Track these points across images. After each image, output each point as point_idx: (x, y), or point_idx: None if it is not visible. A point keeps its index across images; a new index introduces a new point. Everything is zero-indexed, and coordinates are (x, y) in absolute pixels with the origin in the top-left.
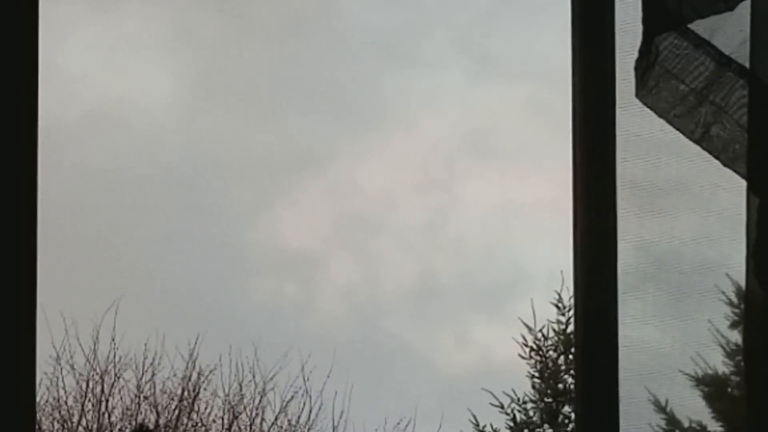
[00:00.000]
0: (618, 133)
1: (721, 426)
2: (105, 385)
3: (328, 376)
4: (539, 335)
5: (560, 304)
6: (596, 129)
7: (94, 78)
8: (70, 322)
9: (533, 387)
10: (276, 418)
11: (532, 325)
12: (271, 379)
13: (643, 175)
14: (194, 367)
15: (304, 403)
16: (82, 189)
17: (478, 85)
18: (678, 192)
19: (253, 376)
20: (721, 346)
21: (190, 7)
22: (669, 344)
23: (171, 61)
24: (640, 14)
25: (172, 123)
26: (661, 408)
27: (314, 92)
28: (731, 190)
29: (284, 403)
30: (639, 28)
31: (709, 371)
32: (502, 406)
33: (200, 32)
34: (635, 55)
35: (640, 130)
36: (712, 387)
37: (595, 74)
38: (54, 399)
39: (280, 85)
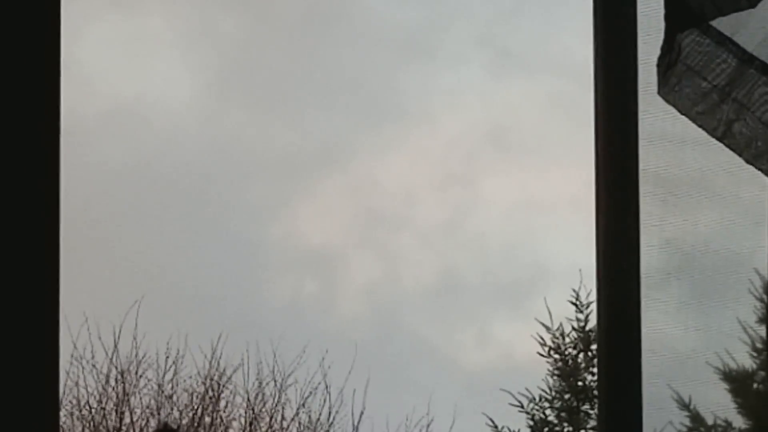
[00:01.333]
0: (640, 128)
1: (747, 421)
2: (126, 384)
3: (349, 373)
4: (557, 334)
5: (578, 302)
6: (619, 125)
7: (113, 75)
8: (92, 322)
9: (551, 386)
10: (296, 414)
11: (549, 324)
12: (290, 375)
13: (666, 171)
14: (218, 365)
15: (325, 400)
16: (100, 187)
17: (499, 81)
18: (701, 187)
19: (274, 375)
20: (747, 342)
21: (210, 5)
22: (693, 340)
23: (191, 59)
24: (662, 11)
25: (192, 121)
26: (684, 404)
27: (334, 89)
28: (754, 185)
29: (303, 400)
30: (661, 24)
31: (735, 367)
32: (521, 406)
33: (220, 29)
34: (657, 50)
35: (662, 126)
36: (737, 383)
37: (618, 70)
38: (75, 398)
39: (300, 81)
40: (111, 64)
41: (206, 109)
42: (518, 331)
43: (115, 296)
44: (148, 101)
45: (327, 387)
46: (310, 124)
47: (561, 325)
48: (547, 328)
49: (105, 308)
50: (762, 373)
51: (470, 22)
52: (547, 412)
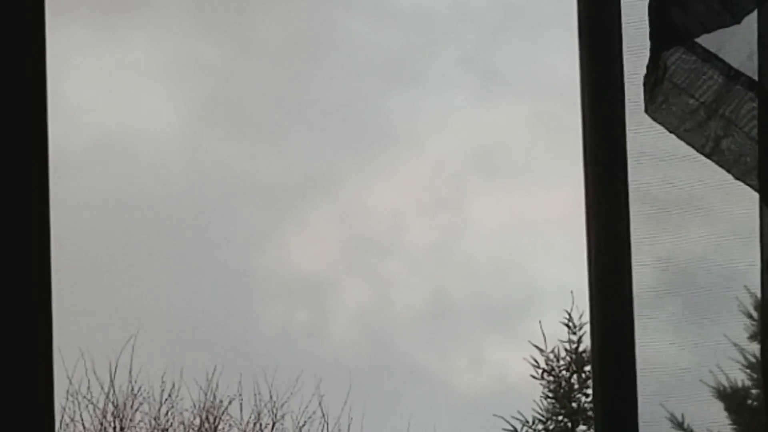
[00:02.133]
0: (629, 146)
1: None
2: (123, 419)
3: (345, 402)
4: (551, 356)
5: (570, 324)
6: (607, 143)
7: (98, 108)
8: (87, 357)
9: (546, 408)
10: None
11: (543, 346)
12: (283, 405)
13: (656, 190)
14: (213, 398)
15: (322, 430)
16: (87, 221)
17: (486, 103)
18: (691, 205)
19: (272, 405)
20: (740, 360)
21: (194, 34)
22: (687, 358)
23: (175, 89)
24: (647, 28)
25: (179, 151)
26: (679, 423)
27: (320, 115)
28: (745, 201)
29: (299, 429)
30: (646, 42)
31: (728, 385)
32: (516, 431)
33: (204, 59)
34: (643, 68)
35: (651, 143)
36: (731, 401)
37: (604, 88)
38: None
39: (286, 109)
40: (95, 97)
41: (192, 139)
42: (511, 353)
43: (108, 331)
44: (134, 133)
45: (324, 416)
46: (296, 152)
47: (556, 347)
48: (541, 351)
49: (98, 343)
50: (756, 391)
51: (455, 45)
52: None
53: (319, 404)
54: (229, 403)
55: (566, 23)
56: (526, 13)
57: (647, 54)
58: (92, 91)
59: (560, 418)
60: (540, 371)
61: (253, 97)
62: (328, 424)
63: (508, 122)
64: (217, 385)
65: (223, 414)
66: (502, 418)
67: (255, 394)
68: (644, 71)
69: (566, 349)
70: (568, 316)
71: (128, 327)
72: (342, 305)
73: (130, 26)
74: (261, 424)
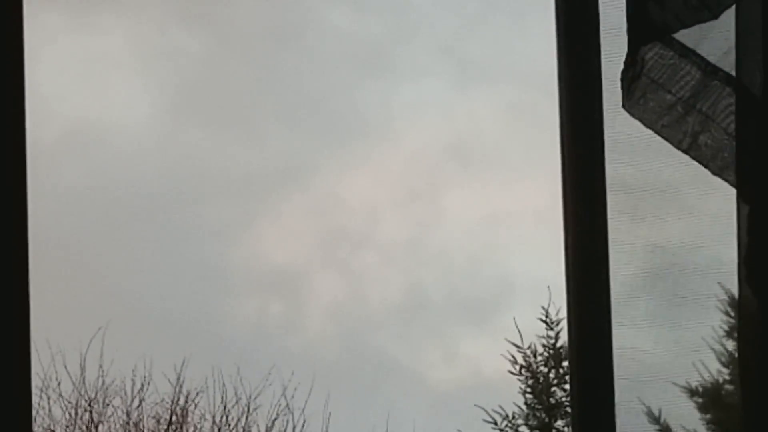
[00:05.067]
0: (606, 140)
1: None
2: (94, 413)
3: (327, 401)
4: (528, 351)
5: (548, 319)
6: (584, 136)
7: (71, 96)
8: (57, 350)
9: (525, 403)
10: None
11: (519, 342)
12: (256, 397)
13: (633, 181)
14: (181, 390)
15: (292, 423)
16: (59, 211)
17: (462, 94)
18: (669, 197)
19: (238, 398)
20: (716, 355)
21: (169, 23)
22: (664, 354)
23: (150, 78)
24: (625, 23)
25: (152, 141)
26: (655, 418)
27: (294, 106)
28: (723, 196)
29: (272, 423)
30: (624, 37)
31: (704, 380)
32: (495, 423)
33: (179, 48)
34: (621, 58)
35: (628, 135)
36: (706, 396)
37: (582, 79)
38: (44, 429)
39: (259, 99)
40: (69, 85)
41: (166, 129)
42: (486, 347)
43: (77, 322)
44: (107, 123)
45: (290, 410)
46: (270, 143)
47: (533, 343)
48: (518, 347)
49: (67, 335)
50: (730, 387)
51: (431, 35)
52: (521, 429)
53: (290, 399)
54: (197, 395)
55: (545, 13)
56: (505, 2)
57: (625, 46)
58: (65, 80)
59: (538, 414)
60: (518, 367)
61: (227, 87)
62: (293, 415)
63: (485, 113)
64: (185, 379)
65: (192, 407)
66: (483, 409)
67: (222, 387)
68: (622, 64)
69: (544, 345)
70: (545, 312)
71: (99, 318)
72: (316, 298)
73: (104, 14)
74: (231, 417)
